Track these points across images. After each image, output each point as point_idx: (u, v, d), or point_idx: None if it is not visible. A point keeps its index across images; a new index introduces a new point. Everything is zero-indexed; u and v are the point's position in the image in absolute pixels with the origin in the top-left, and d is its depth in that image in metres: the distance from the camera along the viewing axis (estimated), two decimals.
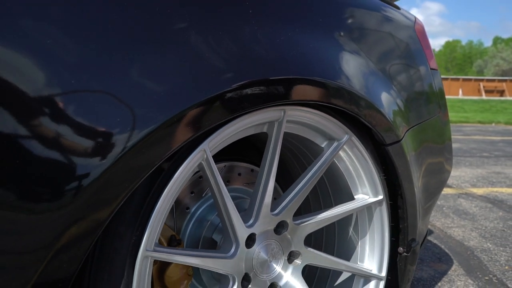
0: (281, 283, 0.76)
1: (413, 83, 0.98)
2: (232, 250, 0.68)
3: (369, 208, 0.85)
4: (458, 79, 27.92)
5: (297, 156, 0.86)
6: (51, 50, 0.46)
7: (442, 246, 1.77)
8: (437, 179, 1.14)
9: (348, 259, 0.88)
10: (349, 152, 0.80)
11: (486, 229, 2.01)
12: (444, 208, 2.36)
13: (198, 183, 0.80)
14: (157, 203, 0.55)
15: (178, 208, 0.77)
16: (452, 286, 1.40)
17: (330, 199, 0.88)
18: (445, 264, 1.59)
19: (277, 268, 0.75)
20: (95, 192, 0.47)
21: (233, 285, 0.69)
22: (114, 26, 0.51)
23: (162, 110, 0.51)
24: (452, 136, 6.29)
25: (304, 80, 0.67)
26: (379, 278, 0.86)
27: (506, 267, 1.56)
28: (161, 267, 0.70)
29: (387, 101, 0.83)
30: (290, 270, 0.77)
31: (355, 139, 0.78)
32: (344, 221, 0.89)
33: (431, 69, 1.12)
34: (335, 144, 0.76)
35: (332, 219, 0.80)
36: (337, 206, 0.81)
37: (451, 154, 1.26)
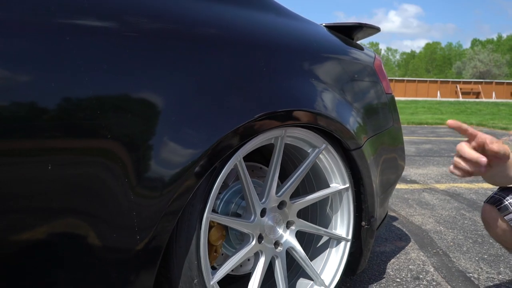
0: (282, 240, 1.16)
1: (371, 106, 1.39)
2: (252, 218, 1.08)
3: (339, 193, 1.26)
4: (436, 82, 28.89)
5: (291, 158, 1.26)
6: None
7: (404, 229, 2.19)
8: (391, 174, 1.56)
9: (326, 227, 1.28)
10: (326, 155, 1.21)
11: (442, 216, 2.44)
12: (409, 200, 2.79)
13: (225, 177, 1.19)
14: (213, 187, 0.94)
15: None
16: (407, 257, 1.83)
17: (314, 186, 1.29)
18: (404, 242, 2.02)
19: (280, 231, 1.15)
20: (183, 182, 0.86)
21: (252, 240, 1.08)
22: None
23: (220, 131, 0.90)
24: (426, 138, 6.76)
25: (297, 110, 1.07)
26: (346, 240, 1.27)
27: (451, 243, 2.00)
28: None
29: (351, 120, 1.24)
30: (287, 233, 1.17)
31: (329, 147, 1.19)
32: (323, 202, 1.30)
33: (386, 93, 1.54)
34: (317, 150, 1.17)
35: (315, 199, 1.21)
36: (318, 191, 1.22)
37: (403, 154, 1.69)
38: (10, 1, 0.71)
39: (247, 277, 1.21)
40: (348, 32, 1.57)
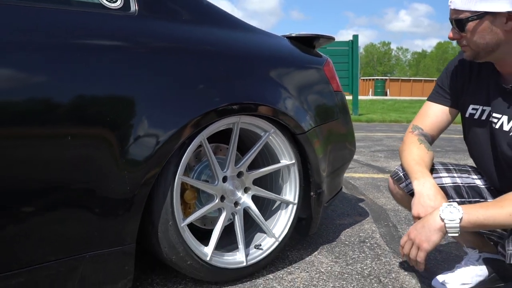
0: (240, 201, 1.54)
1: (316, 101, 1.76)
2: (216, 182, 1.46)
3: (288, 167, 1.64)
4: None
5: (248, 139, 1.64)
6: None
7: (366, 208, 2.55)
8: (340, 157, 1.92)
9: (278, 194, 1.66)
10: (276, 138, 1.58)
11: None
12: (380, 187, 3.14)
13: (198, 154, 1.57)
14: (183, 155, 1.33)
15: (189, 167, 1.55)
16: (361, 227, 2.19)
17: (269, 161, 1.67)
18: (362, 217, 2.38)
19: (239, 194, 1.54)
20: (161, 151, 1.25)
21: (216, 199, 1.47)
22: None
23: (187, 116, 1.28)
24: None
25: (249, 103, 1.45)
26: (293, 204, 1.65)
27: (403, 219, 2.35)
28: (182, 192, 1.48)
29: (296, 111, 1.61)
30: (245, 196, 1.55)
31: (278, 131, 1.56)
32: (277, 174, 1.68)
33: (335, 91, 1.91)
34: (267, 134, 1.55)
35: (266, 172, 1.59)
36: (270, 166, 1.60)
37: (353, 141, 2.05)
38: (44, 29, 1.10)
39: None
40: (310, 42, 1.95)
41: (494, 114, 1.31)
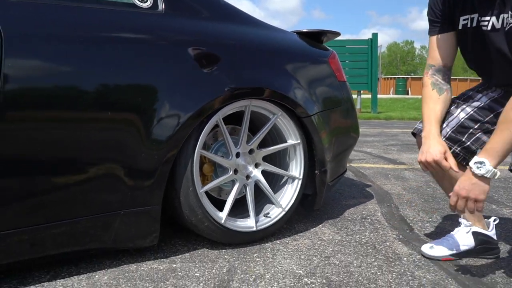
0: (252, 175, 1.77)
1: (321, 88, 1.97)
2: (230, 157, 1.70)
3: (294, 147, 1.85)
4: (466, 80, 28.54)
5: (260, 121, 1.86)
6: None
7: (372, 192, 2.74)
8: (343, 141, 2.12)
9: (286, 170, 1.88)
10: (283, 120, 1.80)
11: (410, 185, 2.96)
12: (389, 175, 3.31)
13: (215, 134, 1.81)
14: (201, 132, 1.56)
15: (207, 145, 1.79)
16: (364, 207, 2.38)
17: (277, 141, 1.89)
18: (367, 199, 2.57)
19: (250, 168, 1.76)
20: (183, 128, 1.48)
21: (230, 171, 1.70)
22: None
23: (205, 99, 1.52)
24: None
25: (259, 88, 1.67)
26: (298, 179, 1.86)
27: (405, 201, 2.52)
28: (201, 165, 1.71)
29: (301, 97, 1.82)
30: (256, 170, 1.78)
31: (284, 114, 1.78)
32: (285, 152, 1.90)
33: (339, 81, 2.11)
34: (275, 116, 1.77)
35: (275, 150, 1.81)
36: (277, 145, 1.82)
37: (356, 127, 2.25)
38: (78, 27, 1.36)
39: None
40: (318, 37, 2.16)
41: (482, 19, 1.46)
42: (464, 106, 1.64)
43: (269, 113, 1.78)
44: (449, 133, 1.60)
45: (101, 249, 1.48)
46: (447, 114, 1.62)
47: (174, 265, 1.56)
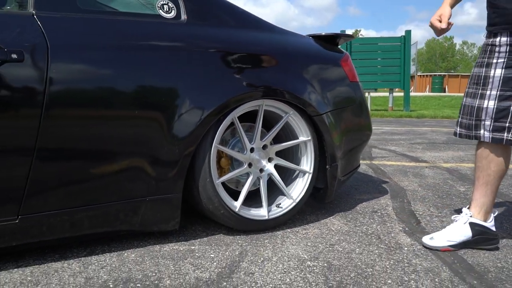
0: (265, 169, 1.94)
1: (332, 88, 2.11)
2: (245, 152, 1.87)
3: (305, 143, 2.01)
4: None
5: (274, 119, 2.02)
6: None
7: (387, 188, 2.84)
8: (354, 138, 2.25)
9: (297, 164, 2.04)
10: (295, 118, 1.96)
11: (427, 183, 3.03)
12: (408, 173, 3.38)
13: (233, 131, 1.99)
14: (218, 128, 1.75)
15: (225, 141, 1.97)
16: (377, 202, 2.50)
17: (290, 138, 2.05)
18: (381, 194, 2.68)
19: (263, 162, 1.93)
20: (202, 125, 1.67)
21: (245, 165, 1.87)
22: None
23: (221, 99, 1.70)
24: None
25: (275, 89, 1.84)
26: (309, 173, 2.02)
27: (418, 197, 2.61)
28: (219, 159, 1.90)
29: (312, 97, 1.97)
30: (269, 164, 1.95)
31: (296, 113, 1.94)
32: (297, 148, 2.05)
33: (351, 81, 2.24)
34: (287, 115, 1.93)
35: (287, 146, 1.98)
36: (289, 141, 1.98)
37: (369, 125, 2.37)
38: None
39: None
40: (333, 40, 2.30)
41: None
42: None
43: (282, 112, 1.94)
44: None
45: (129, 231, 1.70)
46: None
47: (192, 247, 1.75)
